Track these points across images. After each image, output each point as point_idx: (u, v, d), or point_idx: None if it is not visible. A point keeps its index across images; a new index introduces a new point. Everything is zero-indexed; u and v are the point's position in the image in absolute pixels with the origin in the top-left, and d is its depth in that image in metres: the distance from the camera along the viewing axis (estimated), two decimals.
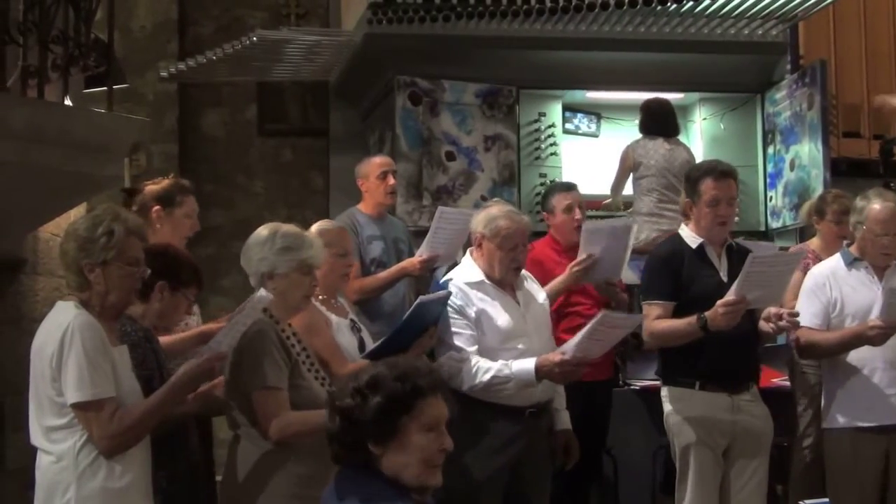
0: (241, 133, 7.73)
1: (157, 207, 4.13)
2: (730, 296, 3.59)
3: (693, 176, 3.95)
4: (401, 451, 2.12)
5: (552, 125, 6.78)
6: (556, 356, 3.53)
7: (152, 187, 4.24)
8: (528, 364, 3.53)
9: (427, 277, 4.75)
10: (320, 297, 3.57)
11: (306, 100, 7.68)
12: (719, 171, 3.87)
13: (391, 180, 4.91)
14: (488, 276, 3.70)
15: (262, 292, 2.99)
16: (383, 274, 4.65)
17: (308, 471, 2.97)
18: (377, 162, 5.00)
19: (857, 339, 3.83)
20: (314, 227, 3.62)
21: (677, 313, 3.79)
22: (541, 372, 3.52)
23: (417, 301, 3.48)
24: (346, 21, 7.13)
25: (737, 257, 3.84)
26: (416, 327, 3.47)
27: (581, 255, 4.36)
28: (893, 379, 3.85)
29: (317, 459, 2.95)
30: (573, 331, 4.36)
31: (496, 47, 6.40)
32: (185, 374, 2.80)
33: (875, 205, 3.92)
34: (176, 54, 7.41)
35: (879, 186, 4.59)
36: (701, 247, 3.88)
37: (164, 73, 6.93)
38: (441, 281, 3.87)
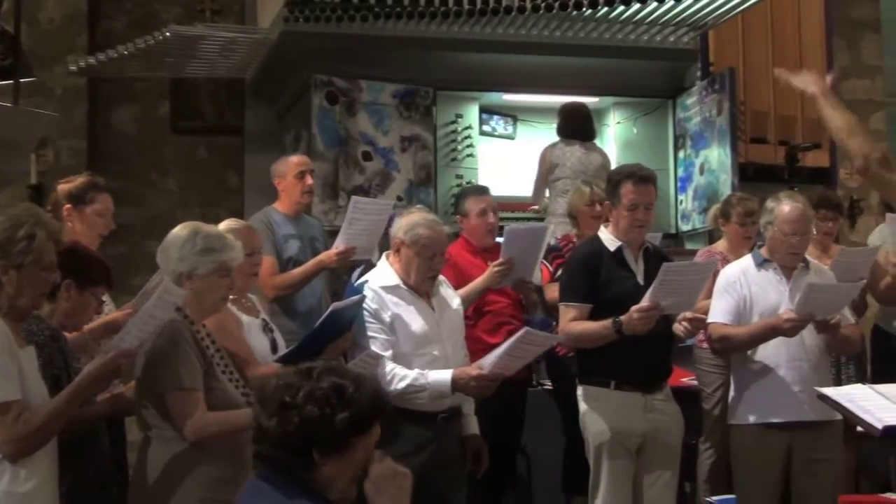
0: (154, 130, 7.59)
1: (68, 206, 4.06)
2: (644, 302, 3.67)
3: (614, 179, 4.02)
4: (341, 465, 2.10)
5: (469, 127, 6.82)
6: (473, 370, 3.58)
7: (65, 185, 4.16)
8: (444, 375, 3.57)
9: (344, 278, 4.74)
10: (231, 296, 3.52)
11: (221, 97, 7.57)
12: (639, 177, 3.95)
13: (308, 180, 4.89)
14: (404, 282, 3.71)
15: (169, 285, 2.93)
16: (300, 269, 4.64)
17: (220, 474, 2.93)
18: (294, 161, 4.97)
19: (771, 332, 3.94)
20: (222, 226, 3.58)
21: (594, 314, 3.85)
22: (457, 385, 3.56)
23: (331, 308, 3.46)
24: (262, 18, 7.05)
25: (653, 260, 3.93)
26: (330, 332, 3.46)
27: (502, 257, 4.42)
28: (797, 376, 3.97)
29: (230, 462, 2.92)
30: (493, 331, 4.43)
31: (414, 48, 6.41)
32: (89, 374, 2.74)
33: (785, 206, 4.04)
34: (86, 48, 7.24)
35: (786, 190, 4.74)
36: (619, 249, 3.95)
37: (73, 67, 6.76)
38: (356, 284, 3.86)
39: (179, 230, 3.15)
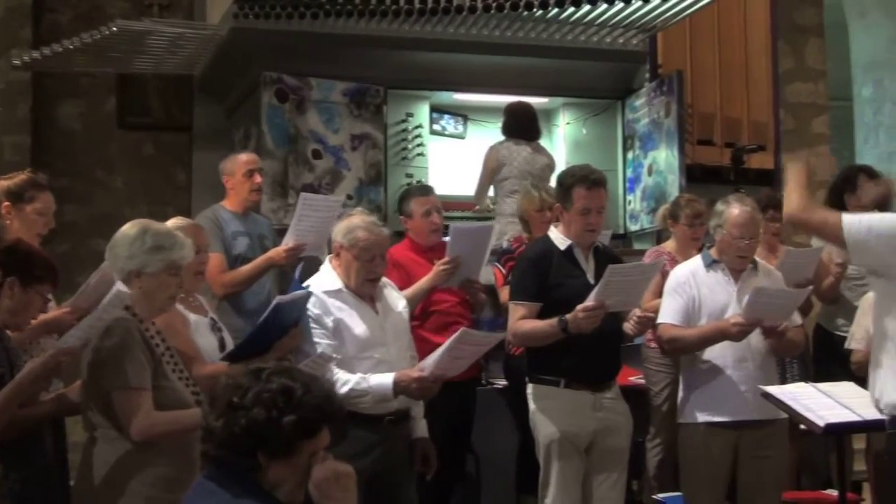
0: (100, 126, 7.46)
1: (6, 203, 3.99)
2: (589, 301, 3.70)
3: (566, 183, 4.02)
4: (287, 468, 2.09)
5: (419, 126, 6.82)
6: (414, 372, 3.59)
7: (4, 182, 4.09)
8: (386, 379, 3.57)
9: (291, 276, 4.71)
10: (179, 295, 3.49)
11: (169, 93, 7.47)
12: (591, 181, 3.95)
13: (257, 178, 4.87)
14: (346, 286, 3.70)
15: (120, 286, 2.90)
16: (249, 266, 4.62)
17: (168, 473, 2.90)
18: (243, 159, 4.94)
19: (719, 335, 4.00)
20: (169, 223, 3.54)
21: (545, 313, 3.87)
22: (398, 387, 3.56)
23: (275, 302, 3.42)
24: (211, 14, 6.99)
25: (603, 259, 3.97)
26: (275, 328, 3.42)
27: (448, 256, 4.43)
28: (744, 376, 4.04)
29: (177, 462, 2.89)
30: (440, 330, 4.43)
31: (364, 46, 6.39)
32: (29, 372, 2.69)
33: (734, 210, 4.10)
34: (30, 42, 7.10)
35: (732, 192, 4.81)
36: (569, 248, 3.98)
37: (16, 62, 6.63)
38: (303, 285, 3.85)
39: (128, 228, 3.11)
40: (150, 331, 3.02)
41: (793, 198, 3.09)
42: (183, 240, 3.14)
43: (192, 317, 3.53)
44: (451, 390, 3.82)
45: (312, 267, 4.05)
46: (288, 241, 4.53)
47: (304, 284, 3.79)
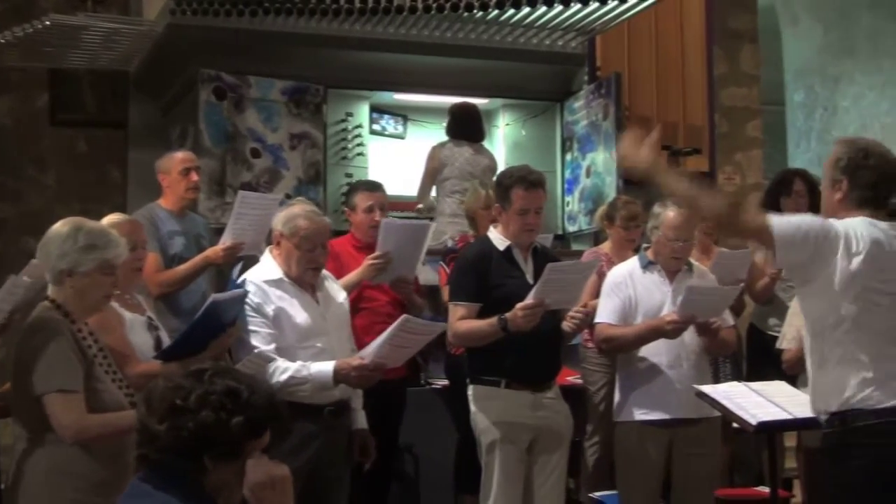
0: (32, 122, 7.29)
1: None
2: (529, 299, 3.72)
3: (504, 183, 4.04)
4: (231, 471, 2.06)
5: (359, 125, 6.80)
6: (354, 360, 3.57)
7: None
8: (326, 367, 3.55)
9: (229, 276, 4.66)
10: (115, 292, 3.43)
11: (104, 89, 7.32)
12: (529, 182, 3.97)
13: (194, 176, 4.81)
14: (287, 275, 3.68)
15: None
16: (186, 265, 4.56)
17: (101, 476, 2.86)
18: (179, 157, 4.87)
19: (654, 333, 4.06)
20: (105, 221, 3.48)
21: (484, 313, 3.88)
22: (339, 376, 3.55)
23: (210, 300, 3.37)
24: (147, 9, 6.88)
25: (542, 259, 3.99)
26: (211, 327, 3.38)
27: (378, 251, 4.41)
28: (678, 375, 4.10)
29: (111, 465, 2.85)
30: (367, 328, 4.40)
31: (304, 45, 6.35)
32: None
33: (670, 212, 4.16)
34: None
35: None
36: (508, 249, 4.00)
37: None
38: (238, 280, 3.81)
39: (60, 226, 3.04)
40: (83, 331, 2.97)
41: (706, 201, 3.05)
42: (117, 238, 3.09)
43: (128, 315, 3.47)
44: (380, 389, 3.81)
45: (251, 266, 4.01)
46: (225, 240, 4.48)
47: (242, 278, 3.75)
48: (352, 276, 4.40)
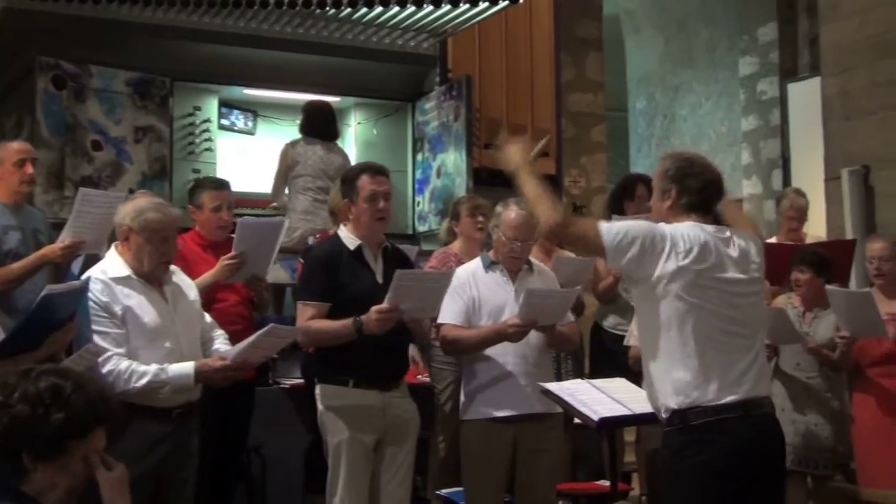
0: None
1: None
2: (385, 304, 3.73)
3: (349, 176, 4.04)
4: (55, 472, 1.99)
5: (207, 120, 6.67)
6: (216, 361, 3.56)
7: None
8: (186, 368, 3.51)
9: (68, 272, 4.49)
10: None
11: None
12: (374, 169, 4.01)
13: (29, 168, 4.59)
14: (136, 271, 3.58)
15: None
16: (21, 262, 4.35)
17: None
18: (14, 148, 4.65)
19: (497, 336, 4.11)
20: None
21: (334, 312, 3.86)
22: (200, 376, 3.52)
23: (44, 292, 3.19)
24: None
25: (392, 259, 4.00)
26: (46, 322, 3.22)
27: (234, 250, 4.35)
28: (524, 371, 4.17)
29: None
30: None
31: (151, 35, 6.18)
32: None
33: (511, 212, 4.23)
34: None
35: (518, 196, 4.96)
36: (359, 248, 3.98)
37: None
38: (82, 277, 3.67)
39: None
40: None
41: (545, 208, 3.14)
42: None
43: None
44: (227, 389, 3.77)
45: (93, 263, 3.87)
46: (65, 238, 4.31)
47: (86, 274, 3.62)
48: (206, 277, 4.31)
